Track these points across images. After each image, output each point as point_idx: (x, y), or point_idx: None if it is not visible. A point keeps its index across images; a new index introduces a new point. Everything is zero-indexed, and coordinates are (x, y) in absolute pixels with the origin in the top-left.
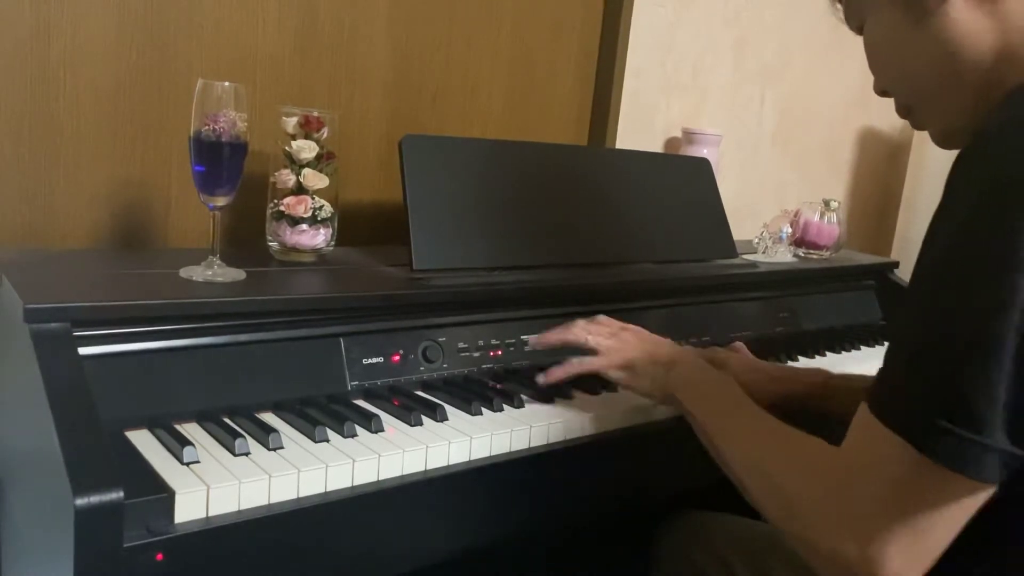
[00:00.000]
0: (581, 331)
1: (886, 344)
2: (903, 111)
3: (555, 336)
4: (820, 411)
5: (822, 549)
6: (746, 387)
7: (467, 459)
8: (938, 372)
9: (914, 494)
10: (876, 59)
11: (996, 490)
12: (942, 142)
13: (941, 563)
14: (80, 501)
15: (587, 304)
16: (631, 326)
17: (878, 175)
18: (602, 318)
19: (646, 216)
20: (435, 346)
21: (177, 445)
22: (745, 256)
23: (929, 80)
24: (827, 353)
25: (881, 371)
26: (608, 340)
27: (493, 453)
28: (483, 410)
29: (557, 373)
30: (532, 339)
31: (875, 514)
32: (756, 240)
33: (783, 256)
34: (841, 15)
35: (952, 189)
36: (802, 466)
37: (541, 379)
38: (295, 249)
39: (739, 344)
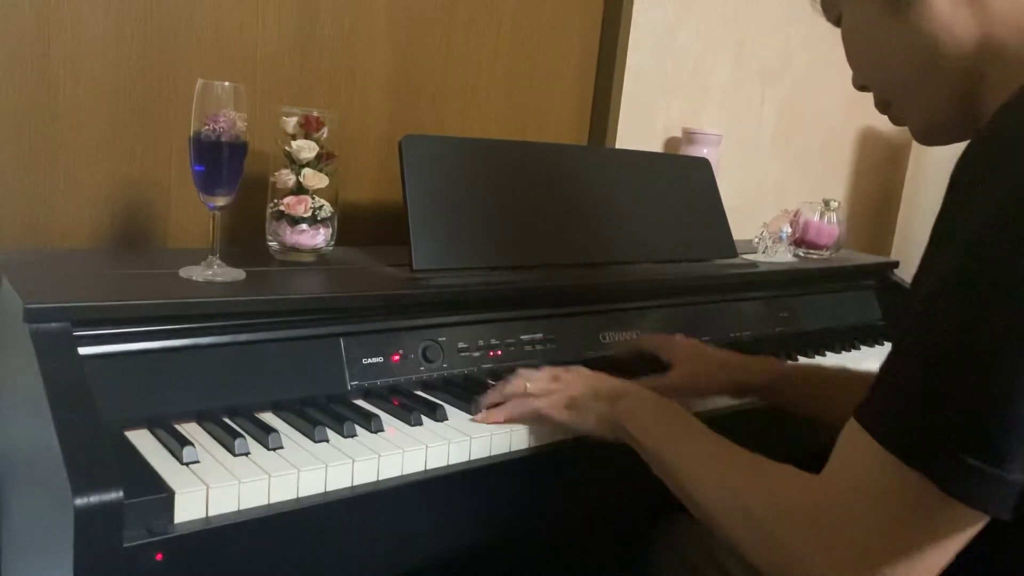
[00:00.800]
0: (520, 382)
1: (886, 345)
2: (882, 106)
3: (496, 395)
4: (778, 405)
5: None
6: (697, 375)
7: (467, 459)
8: (961, 402)
9: (920, 526)
10: (853, 51)
11: None
12: (922, 138)
13: None
14: (80, 501)
15: (587, 304)
16: (573, 367)
17: (878, 175)
18: (543, 367)
19: (646, 216)
20: (435, 346)
21: (177, 445)
22: (745, 256)
23: (908, 73)
24: (827, 353)
25: (882, 390)
26: (548, 384)
27: (493, 453)
28: (483, 410)
29: (498, 414)
30: (477, 416)
31: (875, 547)
32: (756, 240)
33: (783, 256)
34: (819, 6)
35: (965, 190)
36: (785, 500)
37: (480, 417)
38: (295, 249)
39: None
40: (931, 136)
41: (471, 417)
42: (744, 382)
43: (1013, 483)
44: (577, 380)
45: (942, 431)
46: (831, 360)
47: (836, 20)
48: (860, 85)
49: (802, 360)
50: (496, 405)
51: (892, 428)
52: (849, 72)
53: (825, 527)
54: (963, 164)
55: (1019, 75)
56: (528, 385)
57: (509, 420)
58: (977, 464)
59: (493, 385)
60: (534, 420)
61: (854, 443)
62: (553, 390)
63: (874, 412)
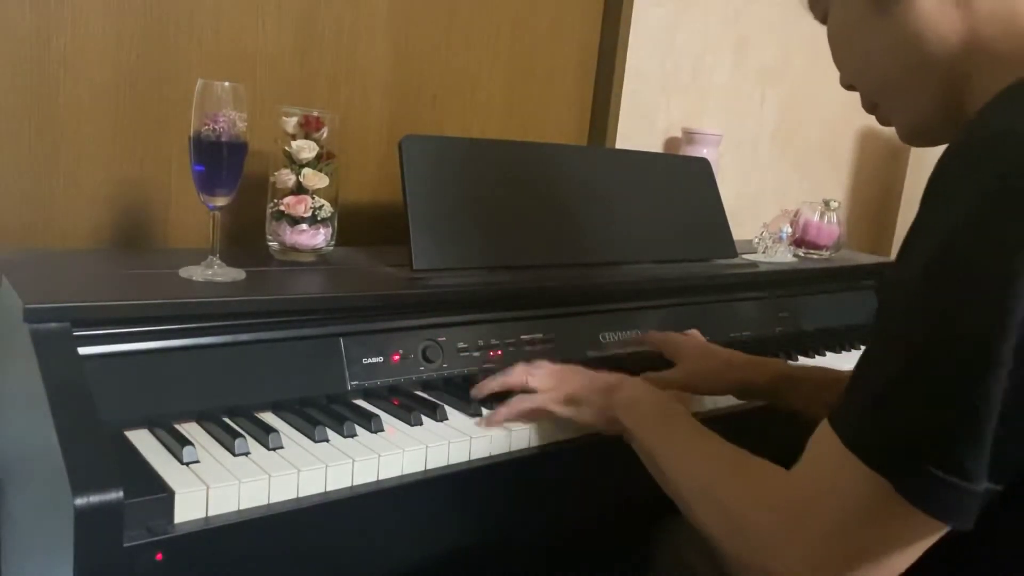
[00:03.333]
0: (521, 373)
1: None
2: (869, 106)
3: (496, 383)
4: (783, 406)
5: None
6: (700, 373)
7: (467, 459)
8: (926, 409)
9: (881, 528)
10: (839, 50)
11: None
12: (908, 138)
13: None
14: (80, 501)
15: (587, 304)
16: (571, 365)
17: (878, 175)
18: (542, 362)
19: (646, 216)
20: (435, 346)
21: (177, 445)
22: (745, 256)
23: (893, 72)
24: (827, 353)
25: (852, 393)
26: (548, 379)
27: (493, 453)
28: (483, 410)
29: (502, 413)
30: (473, 391)
31: (836, 545)
32: (756, 240)
33: (783, 256)
34: (806, 3)
35: (943, 188)
36: (755, 492)
37: (483, 423)
38: (295, 249)
39: (693, 331)
40: (916, 136)
41: (475, 422)
42: (747, 382)
43: (978, 494)
44: (576, 376)
45: (909, 440)
46: (831, 359)
47: (823, 17)
48: (848, 84)
49: (802, 360)
50: (495, 395)
51: (860, 432)
52: None
53: (791, 523)
54: (943, 163)
55: (1005, 75)
56: (529, 380)
57: (511, 419)
58: (942, 475)
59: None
60: (535, 416)
61: (825, 443)
62: (552, 386)
63: (844, 414)
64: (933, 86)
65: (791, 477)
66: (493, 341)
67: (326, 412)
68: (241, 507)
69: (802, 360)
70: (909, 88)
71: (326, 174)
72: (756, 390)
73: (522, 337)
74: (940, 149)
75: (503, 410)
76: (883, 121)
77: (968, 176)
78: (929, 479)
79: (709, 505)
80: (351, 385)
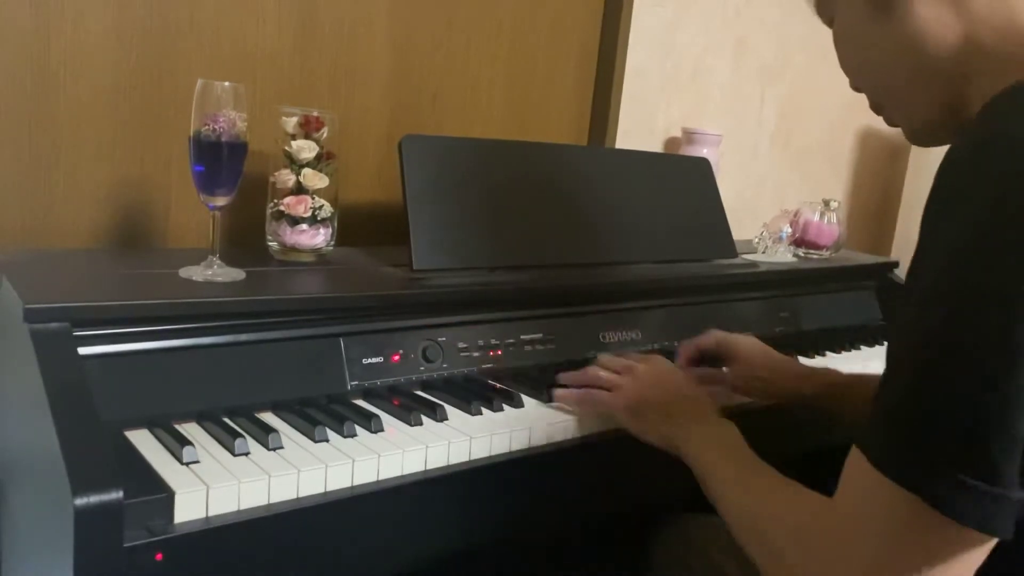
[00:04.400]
0: (595, 369)
1: (885, 345)
2: (876, 108)
3: (569, 378)
4: (828, 413)
5: None
6: (752, 379)
7: (467, 459)
8: (954, 420)
9: (921, 548)
10: (844, 53)
11: None
12: (913, 138)
13: None
14: (80, 501)
15: (587, 304)
16: (651, 358)
17: (878, 175)
18: (632, 364)
19: (646, 216)
20: (435, 346)
21: (177, 445)
22: (745, 256)
23: (894, 75)
24: (827, 353)
25: (877, 413)
26: (620, 378)
27: (493, 453)
28: (483, 410)
29: (568, 397)
30: (558, 394)
31: (880, 568)
32: (756, 240)
33: (783, 256)
34: (813, 7)
35: (947, 193)
36: (796, 523)
37: (557, 397)
38: (295, 249)
39: (750, 337)
40: (921, 137)
41: (549, 402)
42: (797, 392)
43: (1012, 499)
44: (648, 381)
45: (936, 451)
46: (831, 360)
47: (830, 21)
48: (856, 87)
49: (802, 360)
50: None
51: (886, 450)
52: None
53: (830, 550)
54: (945, 166)
55: (1003, 76)
56: (601, 375)
57: (579, 406)
58: (975, 483)
59: (491, 384)
60: (602, 409)
61: (855, 466)
62: (621, 384)
63: (869, 434)
64: (934, 88)
65: (830, 505)
66: (493, 341)
67: (326, 412)
68: (241, 507)
69: (802, 360)
70: (911, 91)
71: (326, 174)
72: (803, 399)
73: (522, 337)
74: (941, 149)
75: (571, 395)
76: (889, 122)
77: (967, 185)
78: (967, 491)
79: (755, 537)
80: (351, 385)
